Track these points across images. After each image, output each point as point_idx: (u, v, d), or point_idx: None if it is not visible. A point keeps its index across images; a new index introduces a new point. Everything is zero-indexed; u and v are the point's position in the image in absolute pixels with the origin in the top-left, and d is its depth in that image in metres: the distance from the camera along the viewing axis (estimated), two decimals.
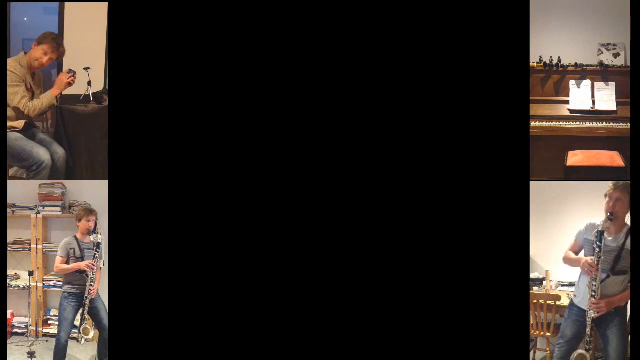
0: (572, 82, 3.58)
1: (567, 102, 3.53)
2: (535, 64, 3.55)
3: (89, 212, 3.16)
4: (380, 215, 2.70)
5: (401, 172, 2.70)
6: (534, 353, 3.18)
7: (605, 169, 3.05)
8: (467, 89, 2.69)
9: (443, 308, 2.68)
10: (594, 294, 2.67)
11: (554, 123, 3.25)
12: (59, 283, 3.59)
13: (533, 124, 3.25)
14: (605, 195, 2.73)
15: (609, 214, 2.70)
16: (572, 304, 2.81)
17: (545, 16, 3.43)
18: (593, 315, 2.68)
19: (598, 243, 2.68)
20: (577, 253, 2.83)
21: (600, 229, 2.68)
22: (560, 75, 3.62)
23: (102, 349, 3.05)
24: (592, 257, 2.69)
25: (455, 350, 2.68)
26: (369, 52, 2.70)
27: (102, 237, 3.09)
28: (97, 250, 3.10)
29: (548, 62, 3.57)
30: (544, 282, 3.46)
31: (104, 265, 3.12)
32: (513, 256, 2.67)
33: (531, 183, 2.69)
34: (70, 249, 3.15)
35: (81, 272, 3.11)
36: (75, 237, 3.17)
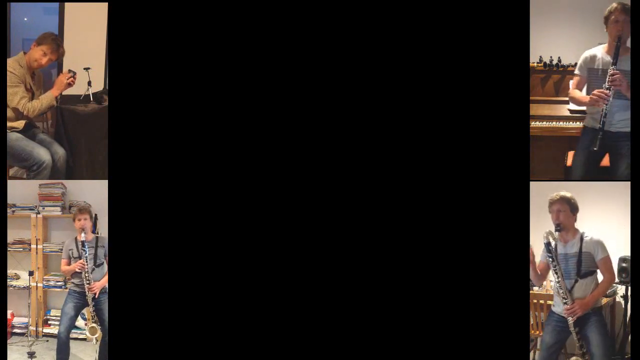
0: (572, 82, 3.57)
1: (567, 102, 3.53)
2: (535, 64, 3.55)
3: (79, 210, 3.13)
4: (380, 215, 2.70)
5: (401, 172, 2.70)
6: (534, 353, 3.18)
7: (605, 168, 3.05)
8: (467, 89, 2.69)
9: (443, 308, 2.68)
10: (565, 301, 2.72)
11: (554, 123, 3.25)
12: (59, 283, 3.60)
13: (533, 124, 3.25)
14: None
15: (555, 226, 2.78)
16: (551, 311, 2.85)
17: (545, 16, 3.43)
18: (571, 321, 2.72)
19: (548, 254, 2.76)
20: (541, 268, 2.88)
21: (544, 241, 2.76)
22: (560, 75, 3.62)
23: (103, 350, 3.06)
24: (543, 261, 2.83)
25: (455, 350, 2.68)
26: (369, 52, 2.70)
27: (88, 235, 3.09)
28: (83, 248, 3.08)
29: (548, 62, 3.58)
30: (544, 282, 3.46)
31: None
32: (513, 256, 2.67)
33: (531, 183, 2.69)
34: (69, 250, 3.15)
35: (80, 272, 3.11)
36: (75, 238, 3.16)
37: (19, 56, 3.12)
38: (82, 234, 3.09)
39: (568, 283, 2.74)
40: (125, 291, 2.71)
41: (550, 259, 2.76)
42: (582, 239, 2.77)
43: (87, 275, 3.06)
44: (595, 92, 2.92)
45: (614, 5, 2.93)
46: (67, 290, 3.19)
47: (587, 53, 3.05)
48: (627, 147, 2.84)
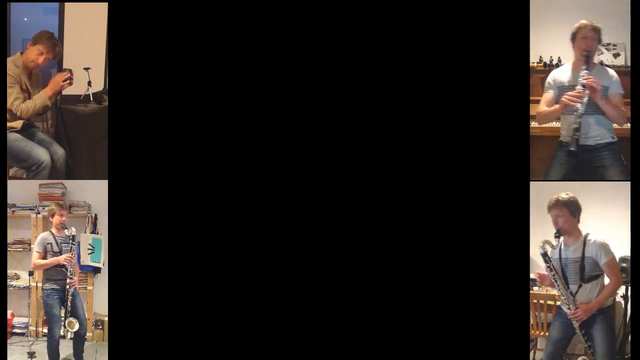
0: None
1: None
2: (535, 64, 3.54)
3: (60, 207, 3.18)
4: (381, 215, 2.70)
5: (401, 172, 2.70)
6: (534, 353, 3.18)
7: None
8: (467, 89, 2.69)
9: (443, 308, 2.68)
10: (568, 307, 2.69)
11: (554, 123, 3.24)
12: None
13: (533, 124, 3.25)
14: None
15: (555, 232, 2.72)
16: (559, 307, 2.82)
17: (545, 16, 3.43)
18: (576, 324, 2.69)
19: (546, 264, 2.71)
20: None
21: (540, 251, 2.70)
22: None
23: (78, 345, 3.06)
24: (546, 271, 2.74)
25: (455, 350, 2.68)
26: (369, 52, 2.70)
27: (69, 231, 3.13)
28: (73, 243, 3.11)
29: (548, 62, 3.57)
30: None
31: (103, 265, 3.12)
32: (513, 256, 2.67)
33: (531, 183, 2.69)
34: (47, 243, 3.16)
35: (60, 267, 3.11)
36: (51, 232, 3.18)
37: (16, 56, 3.11)
38: (64, 230, 3.13)
39: (572, 287, 2.70)
40: (125, 291, 2.71)
41: (549, 269, 2.70)
42: (585, 242, 2.71)
43: (72, 269, 3.09)
44: (567, 94, 2.84)
45: (583, 22, 2.89)
46: (46, 292, 3.17)
47: (555, 72, 3.01)
48: (609, 156, 2.82)
